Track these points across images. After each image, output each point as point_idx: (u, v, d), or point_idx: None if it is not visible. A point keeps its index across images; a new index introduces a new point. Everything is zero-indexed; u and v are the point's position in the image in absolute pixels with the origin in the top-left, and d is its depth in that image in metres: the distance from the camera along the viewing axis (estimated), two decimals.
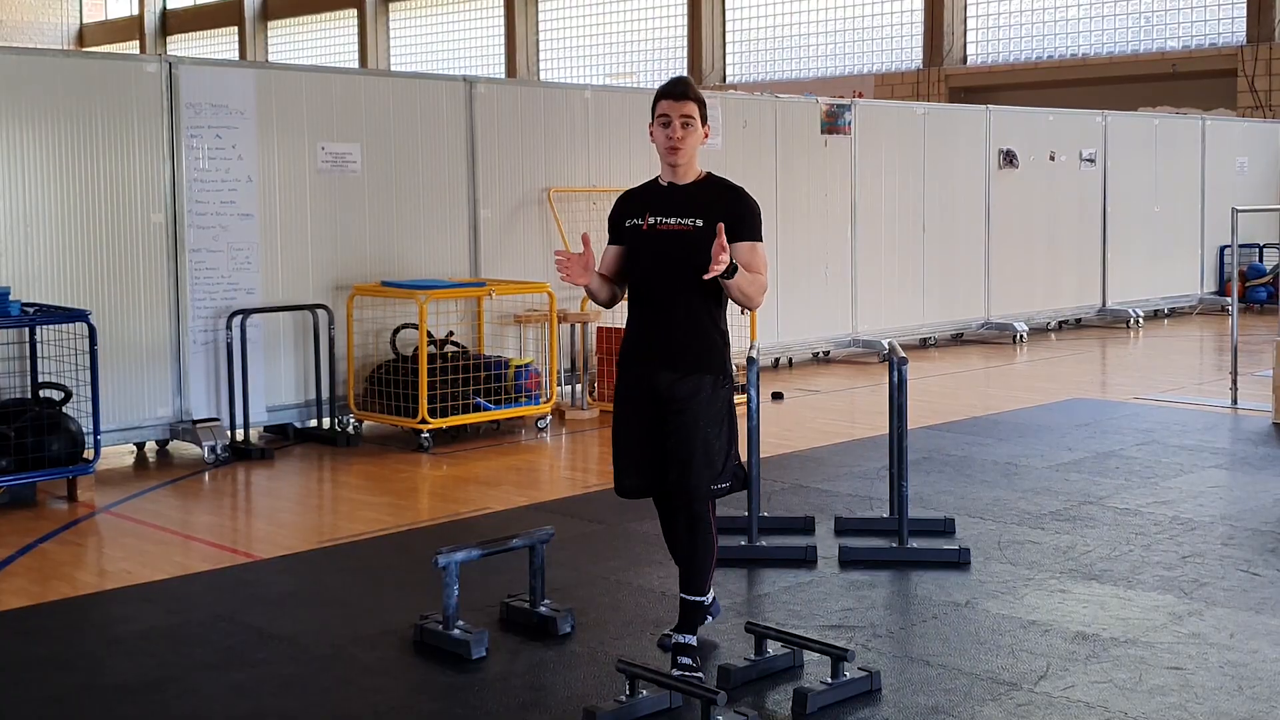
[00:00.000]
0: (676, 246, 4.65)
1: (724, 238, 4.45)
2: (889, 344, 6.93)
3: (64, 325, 7.86)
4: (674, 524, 4.88)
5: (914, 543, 6.28)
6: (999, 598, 5.66)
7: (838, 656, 4.61)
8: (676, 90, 4.70)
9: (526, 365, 9.72)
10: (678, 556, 4.93)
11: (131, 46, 40.03)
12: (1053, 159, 15.63)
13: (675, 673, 4.58)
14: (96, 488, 7.75)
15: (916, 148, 14.11)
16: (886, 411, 6.74)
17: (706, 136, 4.75)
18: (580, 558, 6.22)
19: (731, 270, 4.51)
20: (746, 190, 4.79)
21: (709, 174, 4.81)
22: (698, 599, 4.82)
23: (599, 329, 10.37)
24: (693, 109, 4.66)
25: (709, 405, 4.69)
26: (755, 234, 4.70)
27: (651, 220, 4.69)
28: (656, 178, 4.84)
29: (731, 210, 4.66)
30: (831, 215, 13.27)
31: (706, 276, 4.49)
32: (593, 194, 10.96)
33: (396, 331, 9.62)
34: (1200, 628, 5.26)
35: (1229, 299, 12.26)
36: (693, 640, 4.80)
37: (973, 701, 4.54)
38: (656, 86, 4.86)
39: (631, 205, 4.81)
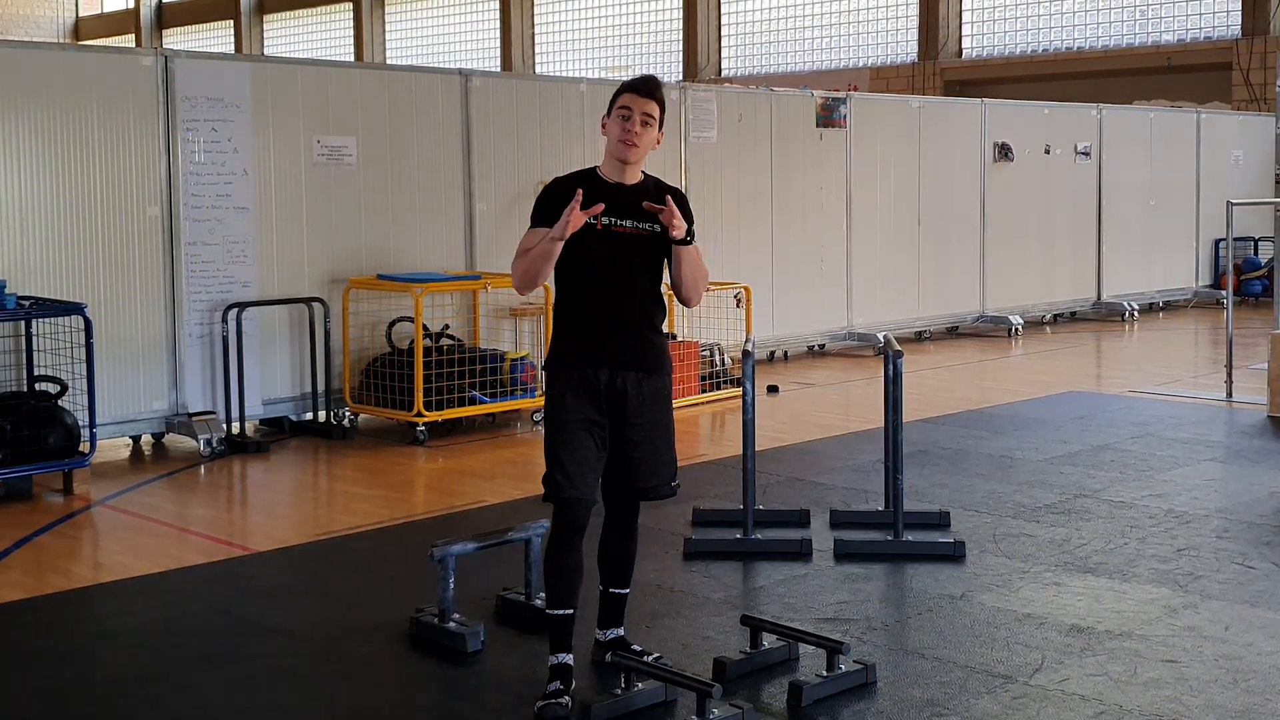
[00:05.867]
0: (637, 251, 4.56)
1: (672, 206, 4.41)
2: (884, 337, 6.94)
3: (60, 318, 7.84)
4: (612, 530, 4.80)
5: (909, 536, 6.29)
6: (994, 591, 5.67)
7: (833, 649, 4.62)
8: (644, 87, 4.58)
9: (522, 358, 9.72)
10: (609, 558, 4.82)
11: (127, 40, 40.00)
12: (1048, 152, 15.63)
13: (649, 659, 4.61)
14: (92, 481, 7.76)
15: (912, 141, 14.10)
16: (881, 405, 6.74)
17: (659, 142, 4.64)
18: None
19: (690, 236, 4.48)
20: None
21: (646, 175, 4.69)
22: (628, 589, 4.85)
23: None
24: (655, 109, 4.55)
25: (669, 406, 4.69)
26: (693, 236, 4.59)
27: (606, 220, 4.52)
28: (594, 169, 4.68)
29: (684, 213, 4.55)
30: (827, 208, 13.27)
31: (674, 235, 4.43)
32: None
33: (392, 325, 9.61)
34: (1195, 621, 5.27)
35: (1224, 292, 12.26)
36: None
37: (968, 694, 4.55)
38: None
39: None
